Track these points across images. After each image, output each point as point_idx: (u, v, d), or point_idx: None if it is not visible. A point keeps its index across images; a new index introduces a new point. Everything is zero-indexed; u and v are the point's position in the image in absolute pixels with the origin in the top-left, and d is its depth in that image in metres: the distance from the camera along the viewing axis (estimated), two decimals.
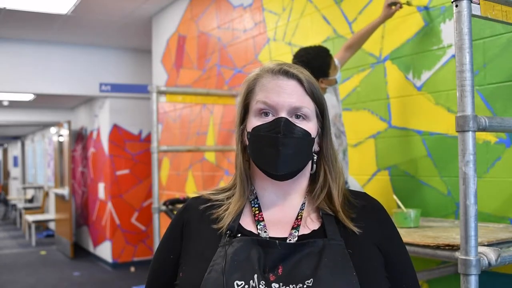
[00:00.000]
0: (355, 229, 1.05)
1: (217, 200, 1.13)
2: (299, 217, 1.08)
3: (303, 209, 1.09)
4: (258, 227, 1.06)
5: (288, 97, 1.05)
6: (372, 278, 1.01)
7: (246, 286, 0.96)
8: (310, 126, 1.07)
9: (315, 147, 1.10)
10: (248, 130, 1.08)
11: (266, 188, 1.11)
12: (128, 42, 6.78)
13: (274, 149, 1.03)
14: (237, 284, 0.96)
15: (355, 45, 2.61)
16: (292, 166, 1.06)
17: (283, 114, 1.05)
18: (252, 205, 1.10)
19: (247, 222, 1.08)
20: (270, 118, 1.05)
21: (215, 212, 1.10)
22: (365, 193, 1.17)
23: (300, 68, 1.10)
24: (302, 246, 1.01)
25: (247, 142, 1.09)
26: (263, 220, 1.08)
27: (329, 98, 2.47)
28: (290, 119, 1.05)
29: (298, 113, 1.06)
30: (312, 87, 1.08)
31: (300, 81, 1.07)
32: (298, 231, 1.05)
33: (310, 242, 1.02)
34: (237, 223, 1.07)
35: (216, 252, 1.02)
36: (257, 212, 1.09)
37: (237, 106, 1.14)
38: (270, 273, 0.98)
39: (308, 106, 1.07)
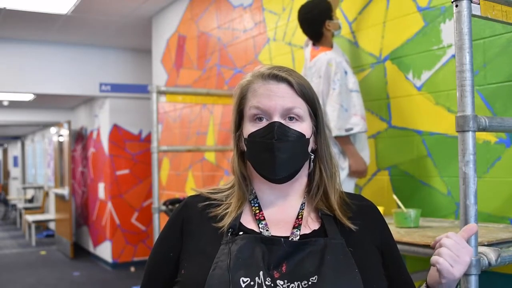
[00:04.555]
0: (353, 227, 1.08)
1: (215, 199, 1.14)
2: (300, 217, 1.10)
3: (303, 209, 1.11)
4: (260, 225, 1.08)
5: (279, 99, 1.06)
6: (373, 275, 1.04)
7: (252, 283, 0.97)
8: (304, 127, 1.08)
9: (312, 146, 1.11)
10: (244, 136, 1.10)
11: (265, 190, 1.12)
12: (128, 42, 6.78)
13: (270, 154, 1.05)
14: (242, 281, 0.97)
15: None
16: (289, 169, 1.07)
17: (276, 118, 1.06)
18: (252, 204, 1.11)
19: (247, 221, 1.09)
20: (264, 123, 1.07)
21: (214, 211, 1.11)
22: (359, 194, 1.21)
23: (290, 70, 1.11)
24: (305, 244, 1.03)
25: (244, 148, 1.11)
26: (264, 219, 1.09)
27: (336, 51, 2.60)
28: (283, 122, 1.06)
29: (291, 115, 1.07)
30: (303, 88, 1.09)
31: (290, 83, 1.08)
32: (299, 230, 1.07)
33: (313, 241, 1.04)
34: (238, 222, 1.07)
35: (219, 250, 1.02)
36: (257, 211, 1.10)
37: (231, 112, 1.15)
38: (274, 270, 1.00)
39: (300, 107, 1.08)
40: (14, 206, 14.20)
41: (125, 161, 7.28)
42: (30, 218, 9.73)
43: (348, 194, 1.17)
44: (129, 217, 7.24)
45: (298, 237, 1.06)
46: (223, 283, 0.96)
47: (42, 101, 8.64)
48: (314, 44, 2.60)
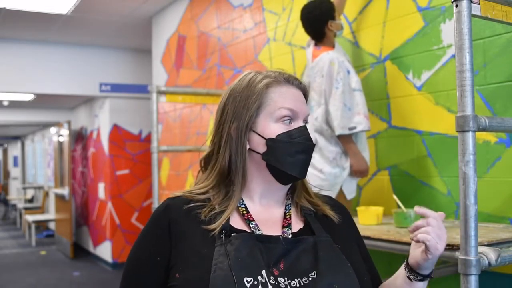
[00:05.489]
0: (336, 219, 1.15)
1: (199, 200, 1.12)
2: (288, 216, 1.12)
3: (289, 209, 1.14)
4: (251, 225, 1.08)
5: (303, 105, 1.13)
6: (360, 268, 1.09)
7: (256, 282, 0.97)
8: None
9: None
10: (269, 136, 1.08)
11: (261, 191, 1.13)
12: (128, 42, 6.78)
13: (306, 155, 1.10)
14: (246, 280, 0.97)
15: None
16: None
17: (300, 122, 1.12)
18: (239, 205, 1.11)
19: (236, 222, 1.09)
20: (292, 125, 1.10)
21: (202, 212, 1.09)
22: (329, 196, 1.26)
23: None
24: (300, 242, 1.06)
25: (259, 148, 1.09)
26: (253, 220, 1.09)
27: (338, 50, 2.61)
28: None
29: (307, 120, 1.14)
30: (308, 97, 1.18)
31: (304, 91, 1.15)
32: (290, 229, 1.10)
33: (305, 238, 1.07)
34: (228, 223, 1.07)
35: (214, 251, 1.02)
36: (245, 212, 1.11)
37: (238, 111, 1.11)
38: (273, 268, 1.01)
39: None
40: (14, 206, 14.20)
41: (125, 161, 7.28)
42: (30, 218, 9.73)
43: (319, 194, 1.22)
44: (129, 217, 7.24)
45: (290, 236, 1.08)
46: (228, 284, 0.96)
47: (42, 101, 8.64)
48: (316, 44, 2.61)
